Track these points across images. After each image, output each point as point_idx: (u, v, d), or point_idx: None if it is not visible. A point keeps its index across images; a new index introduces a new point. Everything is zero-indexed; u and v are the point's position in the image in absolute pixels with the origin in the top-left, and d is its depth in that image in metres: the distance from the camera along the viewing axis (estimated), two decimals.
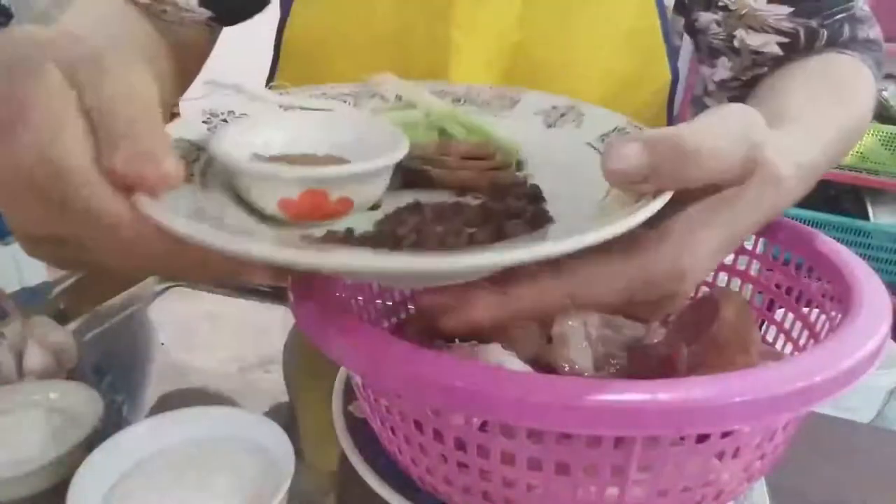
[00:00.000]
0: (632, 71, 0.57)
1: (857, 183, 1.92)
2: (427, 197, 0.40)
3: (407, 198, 0.40)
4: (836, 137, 0.46)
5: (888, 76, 1.92)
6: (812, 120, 0.45)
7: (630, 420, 0.27)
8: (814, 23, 0.56)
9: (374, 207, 0.39)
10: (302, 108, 0.45)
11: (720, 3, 0.58)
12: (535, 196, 0.39)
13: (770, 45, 0.57)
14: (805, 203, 1.85)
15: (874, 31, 0.59)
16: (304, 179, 0.34)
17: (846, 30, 0.56)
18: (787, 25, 0.56)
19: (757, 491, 0.42)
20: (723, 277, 0.49)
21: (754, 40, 0.57)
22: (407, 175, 0.42)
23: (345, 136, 0.40)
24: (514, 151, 0.44)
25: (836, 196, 2.02)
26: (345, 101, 0.47)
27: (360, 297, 0.47)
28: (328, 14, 0.60)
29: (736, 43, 0.59)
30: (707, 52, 0.62)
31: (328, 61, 0.61)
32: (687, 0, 0.61)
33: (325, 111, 0.45)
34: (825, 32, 0.56)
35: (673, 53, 0.58)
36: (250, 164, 0.35)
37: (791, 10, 0.56)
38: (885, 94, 1.89)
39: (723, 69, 0.61)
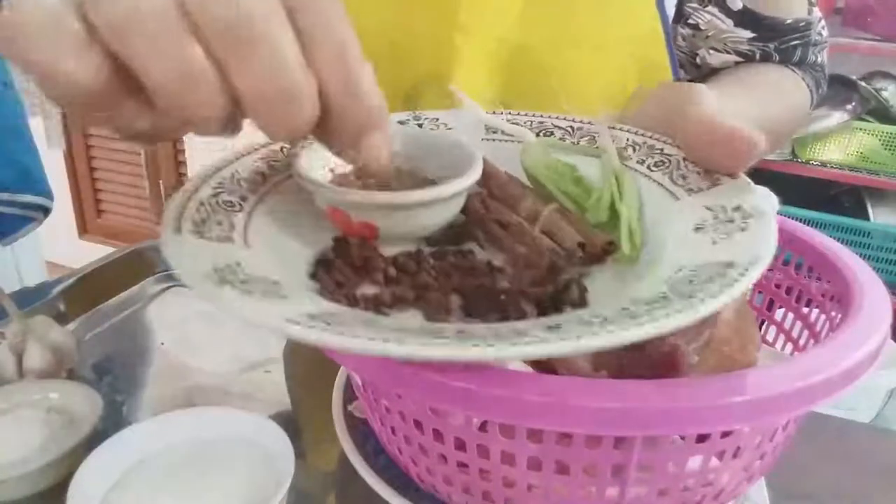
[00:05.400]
0: (635, 76, 0.58)
1: (857, 183, 1.92)
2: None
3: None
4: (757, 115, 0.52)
5: (887, 76, 1.92)
6: (740, 98, 0.54)
7: (630, 420, 0.27)
8: (771, 46, 0.59)
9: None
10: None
11: (690, 22, 0.60)
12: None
13: (728, 63, 0.61)
14: (805, 203, 1.87)
15: (822, 56, 0.62)
16: (326, 197, 0.36)
17: (798, 53, 0.60)
18: (745, 48, 0.59)
19: (757, 491, 0.42)
20: None
21: (715, 60, 0.60)
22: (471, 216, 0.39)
23: (437, 158, 0.39)
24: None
25: (836, 196, 2.02)
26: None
27: None
28: None
29: (698, 60, 0.62)
30: None
31: None
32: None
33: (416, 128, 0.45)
34: (777, 56, 0.60)
35: (675, 61, 0.59)
36: (303, 171, 0.36)
37: (753, 34, 0.58)
38: (884, 94, 1.88)
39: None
